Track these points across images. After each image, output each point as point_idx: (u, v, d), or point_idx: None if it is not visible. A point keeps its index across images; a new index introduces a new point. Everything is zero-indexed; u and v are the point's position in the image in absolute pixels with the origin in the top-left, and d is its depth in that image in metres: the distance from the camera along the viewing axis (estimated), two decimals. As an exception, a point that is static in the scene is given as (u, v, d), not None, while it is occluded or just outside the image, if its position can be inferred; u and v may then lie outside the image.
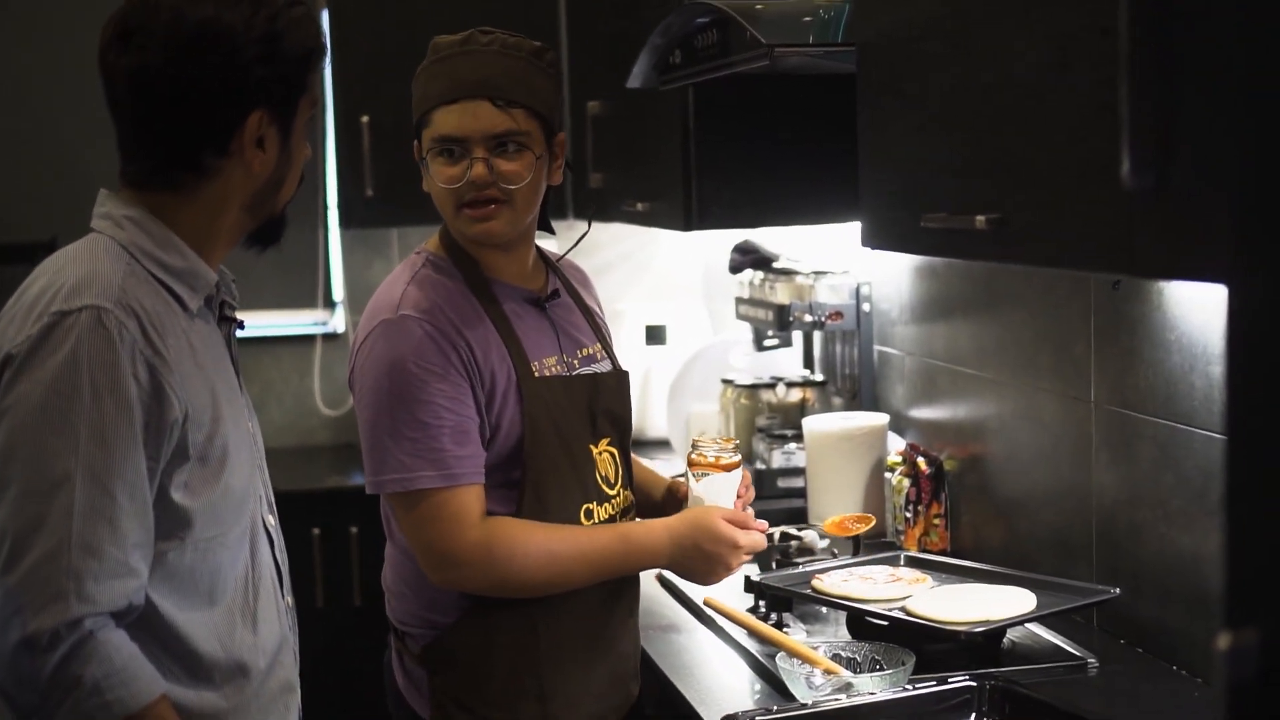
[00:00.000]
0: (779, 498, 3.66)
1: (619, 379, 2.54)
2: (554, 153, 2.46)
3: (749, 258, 3.85)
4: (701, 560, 2.43)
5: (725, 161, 3.22)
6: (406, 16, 4.36)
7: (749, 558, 2.49)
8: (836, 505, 3.41)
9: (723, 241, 4.08)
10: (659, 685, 2.57)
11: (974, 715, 2.24)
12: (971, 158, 2.00)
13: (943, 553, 3.15)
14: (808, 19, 2.57)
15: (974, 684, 2.26)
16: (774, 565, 3.05)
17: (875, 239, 2.31)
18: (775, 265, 3.80)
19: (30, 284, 1.88)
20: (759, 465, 3.71)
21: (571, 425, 2.40)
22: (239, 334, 2.07)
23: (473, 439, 2.32)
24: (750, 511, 2.55)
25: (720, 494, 2.49)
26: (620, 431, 2.50)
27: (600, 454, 2.45)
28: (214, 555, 1.91)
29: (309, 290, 4.87)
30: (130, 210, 1.89)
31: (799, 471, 3.62)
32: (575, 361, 2.49)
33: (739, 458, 2.53)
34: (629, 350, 4.49)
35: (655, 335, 4.53)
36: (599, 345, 2.57)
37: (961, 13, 2.00)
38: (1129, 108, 1.57)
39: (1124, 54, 1.57)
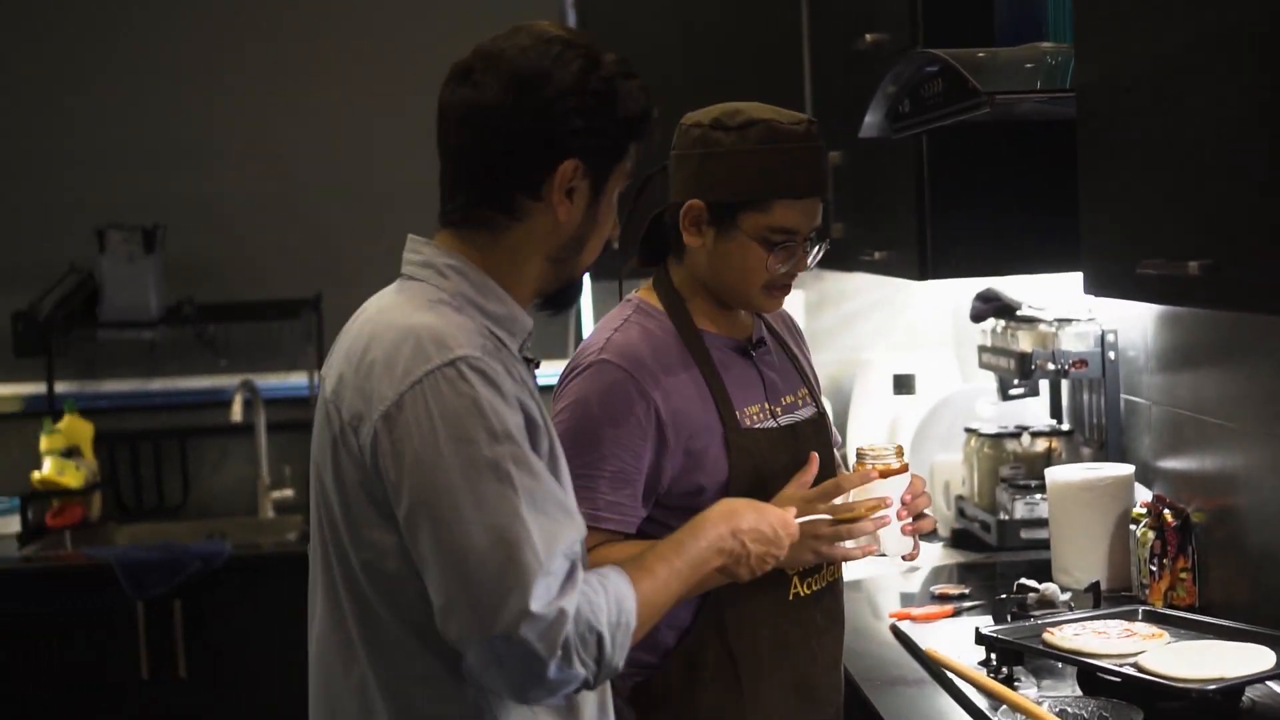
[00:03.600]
0: (1021, 549, 3.60)
1: (819, 423, 2.55)
2: None
3: (991, 305, 3.80)
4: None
5: (959, 210, 3.20)
6: (654, 74, 4.42)
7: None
8: (1080, 558, 3.33)
9: (973, 287, 4.04)
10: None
11: (1203, 776, 2.17)
12: (1186, 204, 1.96)
13: (1190, 608, 3.05)
14: (1030, 65, 2.55)
15: (1204, 744, 2.19)
16: (1009, 618, 3.00)
17: (1096, 286, 2.28)
18: (1018, 313, 3.74)
19: (366, 342, 1.90)
20: (1002, 515, 3.65)
21: (778, 479, 2.41)
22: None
23: (631, 486, 2.35)
24: (929, 520, 2.48)
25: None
26: (826, 478, 2.50)
27: None
28: None
29: (560, 341, 4.98)
30: (451, 259, 1.96)
31: (1042, 523, 3.56)
32: (778, 409, 2.51)
33: (900, 464, 2.44)
34: (875, 400, 4.47)
35: (903, 384, 4.49)
36: (804, 390, 2.58)
37: (1173, 60, 1.97)
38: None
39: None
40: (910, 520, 2.46)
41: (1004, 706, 2.35)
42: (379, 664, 1.91)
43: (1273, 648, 2.48)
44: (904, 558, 2.49)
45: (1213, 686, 2.32)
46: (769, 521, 2.18)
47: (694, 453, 2.38)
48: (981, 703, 2.54)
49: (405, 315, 1.90)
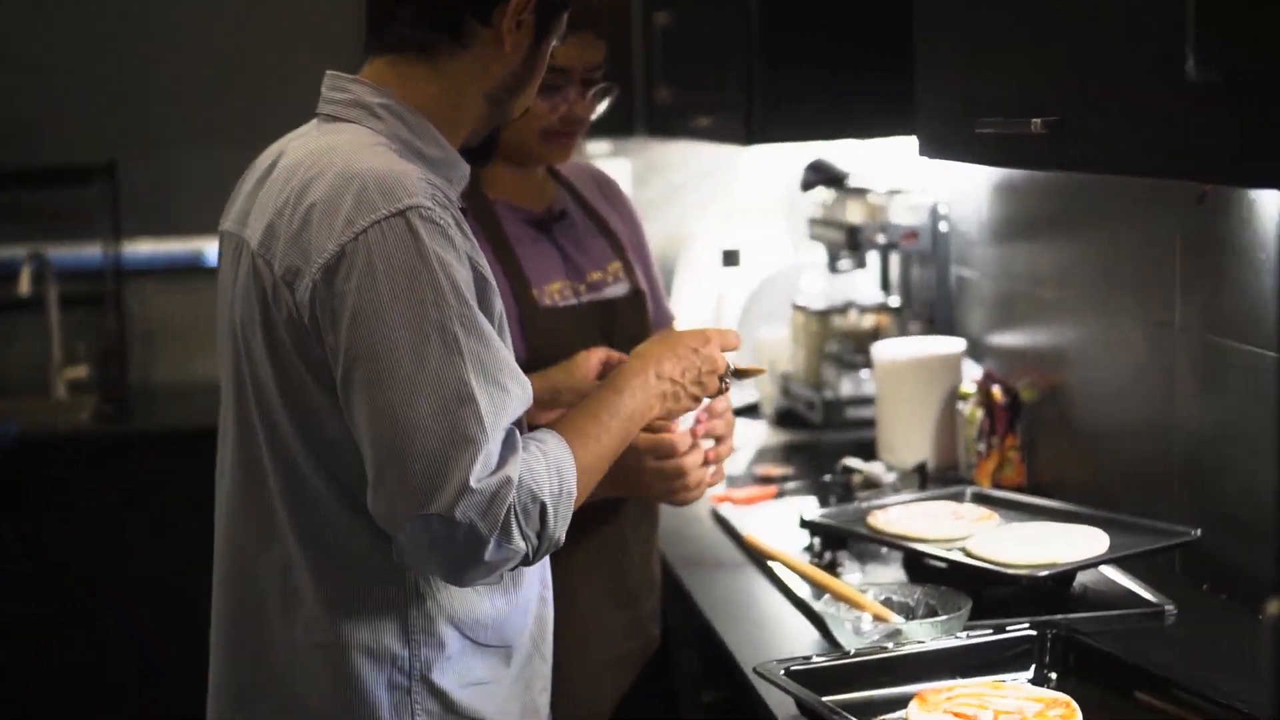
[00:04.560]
0: (846, 428, 3.48)
1: (634, 301, 2.38)
2: None
3: (820, 175, 3.66)
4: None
5: (789, 70, 3.00)
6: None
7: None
8: (906, 436, 3.22)
9: (803, 157, 3.89)
10: (698, 627, 2.41)
11: (1034, 666, 2.06)
12: (1028, 57, 1.80)
13: (1019, 488, 2.96)
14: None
15: (1034, 632, 2.07)
16: (833, 500, 2.88)
17: (931, 148, 2.13)
18: (848, 183, 3.60)
19: (299, 189, 1.72)
20: (827, 393, 3.52)
21: None
22: None
23: None
24: (728, 444, 2.21)
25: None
26: None
27: None
28: None
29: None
30: (384, 98, 1.80)
31: (868, 401, 3.44)
32: (583, 287, 2.33)
33: None
34: (702, 274, 4.31)
35: (731, 258, 4.34)
36: (617, 264, 2.41)
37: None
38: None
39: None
40: (710, 444, 2.22)
41: (826, 595, 2.22)
42: (307, 541, 1.77)
43: (1105, 530, 2.38)
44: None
45: (1045, 572, 2.21)
46: (685, 346, 2.01)
47: None
48: (803, 590, 2.41)
49: (345, 159, 1.72)
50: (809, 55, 2.99)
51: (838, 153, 3.69)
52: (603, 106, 2.32)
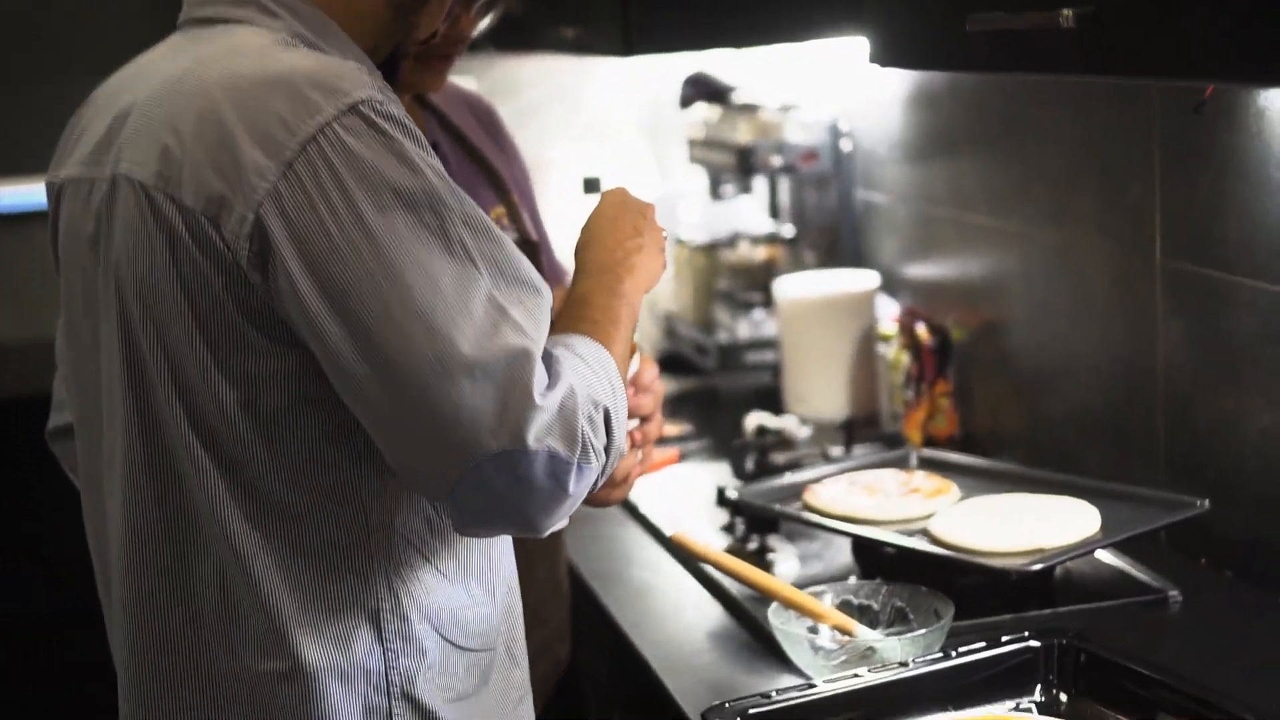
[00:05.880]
0: (747, 371, 3.08)
1: (524, 253, 1.96)
2: None
3: (700, 90, 3.23)
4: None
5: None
6: None
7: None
8: (818, 384, 2.84)
9: (669, 72, 3.46)
10: (614, 644, 2.01)
11: (1039, 687, 1.68)
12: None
13: (951, 439, 2.60)
14: None
15: (1037, 644, 1.70)
16: (750, 466, 2.48)
17: (891, 53, 1.71)
18: (736, 99, 3.18)
19: (202, 104, 1.40)
20: (722, 336, 3.12)
21: None
22: None
23: None
24: (657, 424, 1.80)
25: None
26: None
27: None
28: None
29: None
30: None
31: (768, 344, 3.05)
32: None
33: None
34: (563, 205, 3.88)
35: (593, 187, 3.90)
36: (500, 209, 2.01)
37: None
38: None
39: None
40: (635, 424, 1.77)
41: (774, 604, 1.82)
42: (252, 543, 1.46)
43: (1089, 500, 2.01)
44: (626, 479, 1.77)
45: (1038, 565, 1.83)
46: (612, 206, 1.70)
47: None
48: (734, 587, 2.01)
49: (255, 60, 1.43)
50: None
51: (719, 65, 3.27)
52: (485, 23, 1.90)
